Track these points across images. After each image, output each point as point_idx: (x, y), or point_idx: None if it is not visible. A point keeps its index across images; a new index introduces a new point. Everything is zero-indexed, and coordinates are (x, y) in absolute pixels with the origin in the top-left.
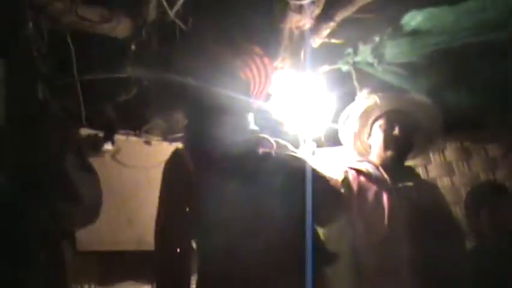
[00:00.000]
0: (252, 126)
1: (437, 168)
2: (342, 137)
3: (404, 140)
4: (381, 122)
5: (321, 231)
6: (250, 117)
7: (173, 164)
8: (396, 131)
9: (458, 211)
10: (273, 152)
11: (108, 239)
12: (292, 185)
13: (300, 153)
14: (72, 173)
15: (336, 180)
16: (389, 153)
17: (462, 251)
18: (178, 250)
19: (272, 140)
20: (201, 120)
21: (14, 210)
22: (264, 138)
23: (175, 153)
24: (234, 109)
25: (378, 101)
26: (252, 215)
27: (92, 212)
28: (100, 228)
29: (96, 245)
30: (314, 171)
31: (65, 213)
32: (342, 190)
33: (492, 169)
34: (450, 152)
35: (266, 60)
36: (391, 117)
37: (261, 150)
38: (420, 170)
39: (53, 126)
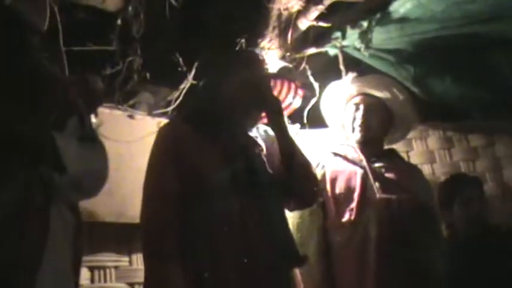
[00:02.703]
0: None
1: (419, 155)
2: (327, 121)
3: (369, 123)
4: (348, 105)
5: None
6: None
7: (172, 139)
8: (359, 115)
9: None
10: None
11: (88, 210)
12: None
13: None
14: (59, 140)
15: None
16: (355, 136)
17: (436, 236)
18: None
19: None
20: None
21: None
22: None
23: (174, 128)
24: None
25: (348, 84)
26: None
27: (84, 185)
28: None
29: None
30: None
31: (51, 182)
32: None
33: (473, 160)
34: (432, 140)
35: None
36: (357, 101)
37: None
38: None
39: (44, 89)
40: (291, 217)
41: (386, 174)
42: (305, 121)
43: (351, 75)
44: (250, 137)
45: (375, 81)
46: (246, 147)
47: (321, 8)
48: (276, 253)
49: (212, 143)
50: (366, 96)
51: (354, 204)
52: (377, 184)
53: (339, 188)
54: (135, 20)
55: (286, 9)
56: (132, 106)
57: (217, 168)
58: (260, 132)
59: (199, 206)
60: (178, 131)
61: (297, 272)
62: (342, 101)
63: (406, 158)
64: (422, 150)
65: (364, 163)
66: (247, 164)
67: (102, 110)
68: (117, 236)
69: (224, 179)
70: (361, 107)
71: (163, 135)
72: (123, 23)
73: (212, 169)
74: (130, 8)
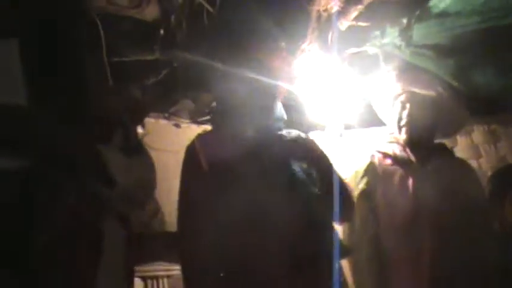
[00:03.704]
0: (280, 112)
1: (464, 150)
2: (383, 119)
3: (415, 123)
4: (395, 103)
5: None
6: (278, 103)
7: (195, 149)
8: (405, 114)
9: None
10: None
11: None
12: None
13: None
14: (106, 154)
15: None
16: (402, 135)
17: (488, 235)
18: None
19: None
20: (229, 104)
21: (49, 192)
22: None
23: (198, 138)
24: (261, 93)
25: (393, 82)
26: (265, 207)
27: (133, 196)
28: None
29: None
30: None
31: (103, 197)
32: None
33: None
34: (477, 134)
35: (284, 51)
36: (403, 99)
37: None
38: None
39: (89, 102)
40: None
41: (438, 176)
42: (350, 121)
43: (393, 72)
44: (276, 138)
45: (420, 79)
46: (270, 148)
47: (360, 7)
48: (311, 249)
49: (235, 148)
50: (412, 94)
51: (406, 208)
52: (428, 187)
53: (391, 191)
54: (177, 29)
55: (326, 10)
56: (174, 113)
57: (242, 169)
58: (293, 135)
59: (226, 209)
60: (201, 143)
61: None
62: (389, 98)
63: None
64: (467, 145)
65: (415, 165)
66: (271, 164)
67: (148, 120)
68: (168, 245)
69: (250, 181)
70: (408, 105)
71: (187, 148)
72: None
73: (237, 172)
74: (173, 18)
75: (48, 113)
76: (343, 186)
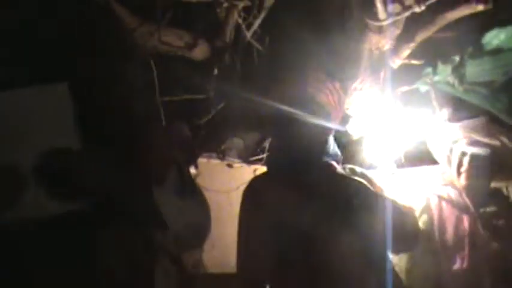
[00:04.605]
0: (333, 149)
1: None
2: (438, 160)
3: (475, 171)
4: (456, 149)
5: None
6: (331, 140)
7: (251, 192)
8: (466, 161)
9: None
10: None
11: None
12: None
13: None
14: (160, 197)
15: (411, 210)
16: (461, 180)
17: None
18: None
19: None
20: (282, 143)
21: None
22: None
23: (253, 181)
24: (313, 132)
25: (455, 127)
26: (322, 245)
27: (187, 239)
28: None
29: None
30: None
31: (154, 240)
32: (420, 219)
33: None
34: None
35: (337, 85)
36: (464, 145)
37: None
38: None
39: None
40: (401, 261)
41: (495, 221)
42: (403, 160)
43: (447, 111)
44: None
45: (484, 128)
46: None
47: (412, 45)
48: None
49: (290, 191)
50: (474, 141)
51: (465, 252)
52: (486, 232)
53: (448, 234)
54: (230, 68)
55: (377, 48)
56: (222, 152)
57: (298, 210)
58: (347, 171)
59: (284, 249)
60: (257, 184)
61: None
62: (447, 140)
63: (505, 193)
64: None
65: (472, 209)
66: (326, 203)
67: (200, 160)
68: (221, 287)
69: (305, 222)
70: (469, 152)
71: (244, 191)
72: (210, 70)
73: (293, 212)
74: (227, 57)
75: (100, 156)
76: (404, 215)
